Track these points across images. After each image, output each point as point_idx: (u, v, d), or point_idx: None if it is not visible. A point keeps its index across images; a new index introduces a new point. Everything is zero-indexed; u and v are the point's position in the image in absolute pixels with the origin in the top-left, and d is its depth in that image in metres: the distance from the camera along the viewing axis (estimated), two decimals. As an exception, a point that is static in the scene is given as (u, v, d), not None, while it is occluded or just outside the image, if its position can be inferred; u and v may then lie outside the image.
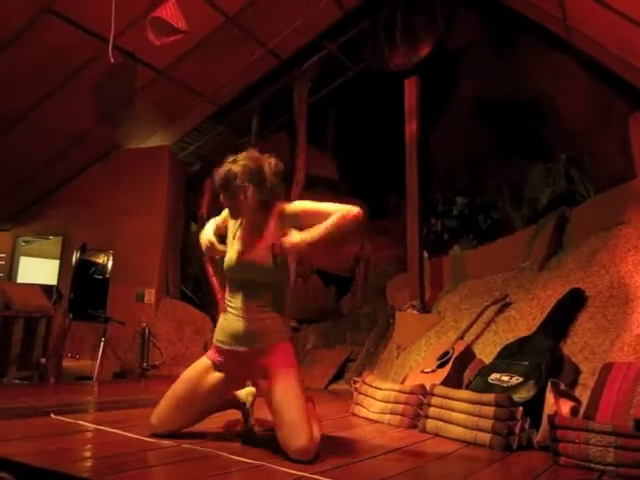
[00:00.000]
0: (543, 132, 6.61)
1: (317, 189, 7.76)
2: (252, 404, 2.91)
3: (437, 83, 6.88)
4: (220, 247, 2.76)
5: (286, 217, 2.63)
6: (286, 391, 2.48)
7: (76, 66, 5.69)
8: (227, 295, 2.73)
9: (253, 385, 2.92)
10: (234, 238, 2.73)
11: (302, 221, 2.60)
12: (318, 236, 2.50)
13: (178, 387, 2.69)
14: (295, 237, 2.54)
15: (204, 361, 2.74)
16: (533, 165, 6.11)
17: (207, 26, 5.76)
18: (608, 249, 4.12)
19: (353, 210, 2.53)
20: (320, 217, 2.54)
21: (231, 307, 2.66)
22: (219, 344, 2.69)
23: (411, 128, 5.73)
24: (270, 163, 2.65)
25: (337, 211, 2.52)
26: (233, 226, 2.78)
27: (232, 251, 2.69)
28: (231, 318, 2.65)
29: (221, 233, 2.83)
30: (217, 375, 2.68)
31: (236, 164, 2.59)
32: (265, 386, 2.55)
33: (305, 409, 2.47)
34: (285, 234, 2.57)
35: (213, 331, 2.84)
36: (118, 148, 7.39)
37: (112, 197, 7.22)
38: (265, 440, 2.62)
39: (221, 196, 2.66)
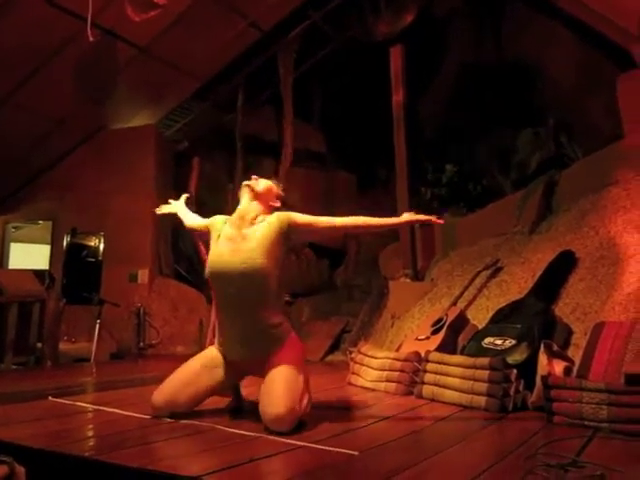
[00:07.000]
0: (531, 97, 6.57)
1: (305, 163, 7.72)
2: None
3: (423, 52, 6.82)
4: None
5: (297, 228, 2.66)
6: (279, 369, 2.49)
7: (55, 46, 5.62)
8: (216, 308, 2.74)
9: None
10: (218, 237, 2.71)
11: (313, 230, 2.72)
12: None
13: (185, 371, 2.67)
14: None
15: (212, 351, 2.74)
16: (522, 130, 6.09)
17: (185, -1, 5.67)
18: (597, 210, 4.13)
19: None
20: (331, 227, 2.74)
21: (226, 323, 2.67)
22: (226, 355, 2.69)
23: (398, 97, 5.70)
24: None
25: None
26: (221, 226, 2.75)
27: (218, 252, 2.67)
28: (231, 333, 2.65)
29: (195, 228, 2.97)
30: (223, 366, 2.67)
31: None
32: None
33: (293, 386, 2.44)
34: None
35: (208, 309, 2.84)
36: (103, 129, 7.31)
37: (100, 179, 7.17)
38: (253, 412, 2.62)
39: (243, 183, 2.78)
